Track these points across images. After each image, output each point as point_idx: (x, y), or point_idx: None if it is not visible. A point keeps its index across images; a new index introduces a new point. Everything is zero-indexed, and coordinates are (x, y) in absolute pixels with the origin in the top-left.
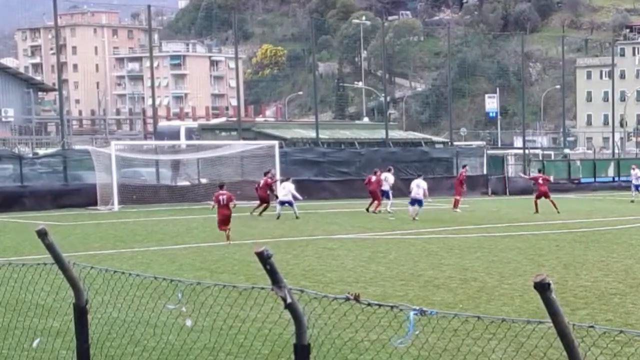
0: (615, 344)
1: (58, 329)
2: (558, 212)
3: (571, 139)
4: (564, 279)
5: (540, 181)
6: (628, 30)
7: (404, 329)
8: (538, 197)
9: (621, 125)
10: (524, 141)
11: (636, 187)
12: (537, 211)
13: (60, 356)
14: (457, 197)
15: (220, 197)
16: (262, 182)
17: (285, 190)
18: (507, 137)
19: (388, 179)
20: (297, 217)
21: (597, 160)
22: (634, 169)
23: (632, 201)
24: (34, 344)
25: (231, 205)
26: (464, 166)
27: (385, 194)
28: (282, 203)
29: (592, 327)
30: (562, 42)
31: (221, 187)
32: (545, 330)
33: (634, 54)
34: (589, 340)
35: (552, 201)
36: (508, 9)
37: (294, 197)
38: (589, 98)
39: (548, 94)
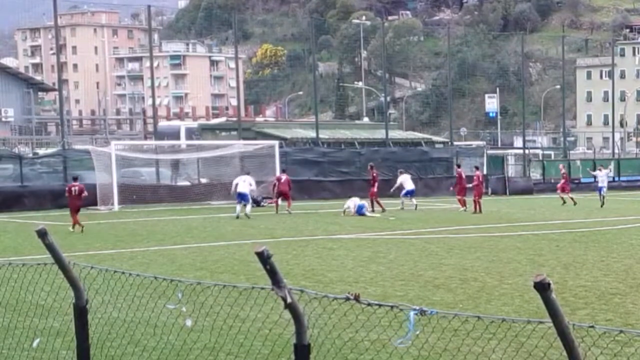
0: (616, 344)
1: (58, 329)
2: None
3: (571, 139)
4: (564, 279)
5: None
6: (628, 30)
7: (404, 329)
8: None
9: (621, 125)
10: (524, 141)
11: (600, 189)
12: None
13: (60, 356)
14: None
15: (72, 188)
16: (283, 177)
17: (246, 183)
18: (507, 137)
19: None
20: (246, 217)
21: (597, 160)
22: (601, 169)
23: (602, 205)
24: (34, 344)
25: (83, 195)
26: (459, 166)
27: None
28: (241, 196)
29: (592, 327)
30: (562, 42)
31: (75, 179)
32: (545, 330)
33: (634, 54)
34: (589, 340)
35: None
36: (508, 9)
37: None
38: (589, 98)
39: (548, 94)
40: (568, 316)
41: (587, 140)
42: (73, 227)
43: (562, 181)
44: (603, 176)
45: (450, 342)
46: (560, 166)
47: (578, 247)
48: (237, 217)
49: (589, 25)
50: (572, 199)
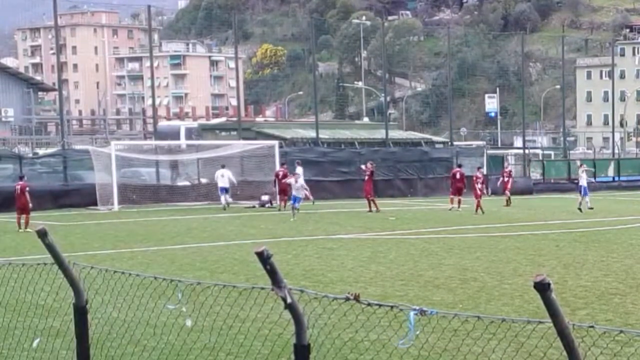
0: (615, 344)
1: (58, 329)
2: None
3: (571, 139)
4: (563, 279)
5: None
6: (628, 30)
7: (404, 329)
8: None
9: (621, 125)
10: (524, 141)
11: (583, 190)
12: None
13: (60, 356)
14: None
15: (16, 187)
16: (281, 173)
17: (225, 178)
18: (507, 137)
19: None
20: (224, 208)
21: (597, 160)
22: (585, 170)
23: (580, 209)
24: (34, 344)
25: (26, 194)
26: (460, 166)
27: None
28: (223, 190)
29: (592, 327)
30: (562, 42)
31: (21, 178)
32: (545, 330)
33: (634, 54)
34: (589, 340)
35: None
36: (508, 9)
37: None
38: (589, 98)
39: (548, 94)
40: (568, 316)
41: (587, 140)
42: (20, 228)
43: (507, 180)
44: (583, 175)
45: (450, 342)
46: (506, 164)
47: (578, 247)
48: (224, 208)
49: (589, 25)
50: (508, 199)
